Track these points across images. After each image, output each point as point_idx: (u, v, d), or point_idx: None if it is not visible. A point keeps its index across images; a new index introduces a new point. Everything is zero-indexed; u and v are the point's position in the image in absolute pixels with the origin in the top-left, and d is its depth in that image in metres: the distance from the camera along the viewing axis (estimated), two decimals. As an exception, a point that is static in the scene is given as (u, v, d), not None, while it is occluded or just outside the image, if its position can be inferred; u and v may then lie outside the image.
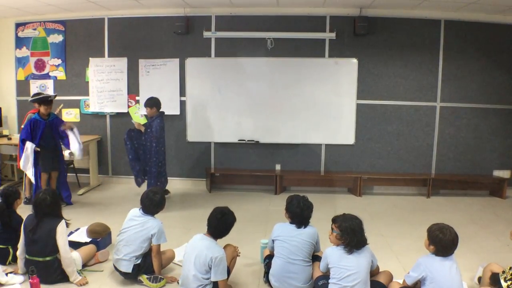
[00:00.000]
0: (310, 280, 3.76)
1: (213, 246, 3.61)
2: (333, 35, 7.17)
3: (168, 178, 6.92)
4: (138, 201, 4.21)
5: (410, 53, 7.22)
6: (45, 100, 6.13)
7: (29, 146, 6.01)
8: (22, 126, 6.48)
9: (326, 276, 3.56)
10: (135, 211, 4.17)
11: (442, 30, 7.14)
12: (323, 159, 7.58)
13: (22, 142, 6.06)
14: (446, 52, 7.19)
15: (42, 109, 6.11)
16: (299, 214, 3.83)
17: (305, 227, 3.84)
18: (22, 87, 8.01)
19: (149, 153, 6.49)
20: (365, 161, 7.54)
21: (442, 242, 3.25)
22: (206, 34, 7.35)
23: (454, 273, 3.24)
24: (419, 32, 7.17)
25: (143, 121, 7.57)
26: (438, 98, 7.29)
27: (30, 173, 6.09)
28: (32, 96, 6.43)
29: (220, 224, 3.66)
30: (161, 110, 6.61)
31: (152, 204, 4.09)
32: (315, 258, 3.88)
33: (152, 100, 6.53)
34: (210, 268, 3.52)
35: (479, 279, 3.92)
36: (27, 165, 6.05)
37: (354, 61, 7.26)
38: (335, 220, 3.62)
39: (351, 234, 3.43)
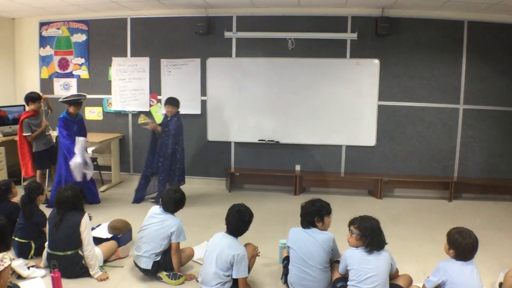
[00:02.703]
0: (329, 285, 3.74)
1: (235, 244, 3.65)
2: (354, 35, 7.12)
3: (186, 177, 6.93)
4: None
5: (432, 54, 7.13)
6: (76, 102, 6.24)
7: (82, 140, 6.14)
8: (25, 134, 6.40)
9: (344, 278, 3.54)
10: (156, 209, 4.23)
11: (466, 31, 7.03)
12: (343, 160, 7.54)
13: (63, 137, 6.11)
14: (470, 54, 7.07)
15: (72, 109, 6.22)
16: (307, 214, 3.82)
17: (312, 226, 3.79)
18: (46, 85, 8.15)
19: (164, 152, 6.52)
20: (386, 163, 7.47)
21: (462, 246, 3.21)
22: (227, 34, 7.38)
23: (475, 278, 3.19)
24: (442, 33, 7.07)
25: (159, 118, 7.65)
26: (461, 100, 7.18)
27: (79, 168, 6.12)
28: (27, 97, 6.53)
29: (238, 222, 3.70)
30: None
31: (172, 202, 4.15)
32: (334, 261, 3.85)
33: (174, 99, 6.57)
34: (232, 266, 3.56)
35: (500, 284, 3.85)
36: (80, 160, 6.10)
37: (376, 61, 7.20)
38: (353, 222, 3.59)
39: (371, 234, 3.41)
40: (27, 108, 6.54)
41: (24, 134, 6.42)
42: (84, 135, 6.40)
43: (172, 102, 6.53)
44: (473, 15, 6.97)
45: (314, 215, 3.79)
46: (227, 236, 3.72)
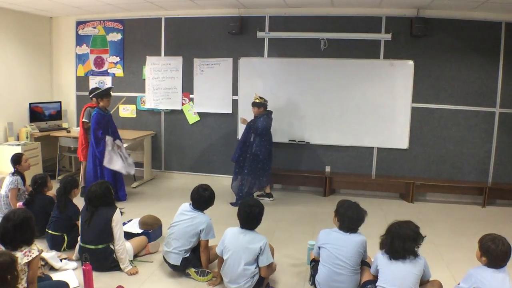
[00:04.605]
0: (358, 286, 3.70)
1: (256, 236, 3.76)
2: (388, 36, 7.02)
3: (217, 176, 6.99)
4: (188, 196, 4.29)
5: (468, 56, 6.97)
6: (108, 93, 6.39)
7: (109, 140, 6.25)
8: (84, 120, 6.65)
9: (374, 281, 3.51)
10: (186, 206, 4.29)
11: (503, 32, 6.84)
12: (374, 162, 7.45)
13: (96, 140, 6.22)
14: (507, 56, 6.87)
15: (105, 102, 6.34)
16: (350, 218, 3.71)
17: (351, 233, 3.72)
18: (81, 82, 8.36)
19: (245, 146, 6.67)
20: (419, 166, 7.33)
21: (494, 253, 3.12)
22: (260, 34, 7.39)
23: (506, 286, 3.11)
24: (478, 35, 6.90)
25: (196, 118, 7.74)
26: (497, 103, 7.00)
27: (118, 166, 6.28)
28: (92, 91, 6.73)
29: (249, 217, 3.77)
30: (268, 109, 6.72)
31: (201, 199, 4.19)
32: (363, 262, 3.81)
33: (258, 102, 6.66)
34: (258, 257, 3.69)
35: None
36: (113, 161, 6.24)
37: (410, 63, 7.09)
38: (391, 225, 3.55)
39: (389, 238, 3.42)
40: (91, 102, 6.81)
41: (83, 120, 6.68)
42: (115, 129, 6.55)
43: (256, 104, 6.63)
44: (511, 16, 6.78)
45: (359, 224, 3.76)
46: (244, 232, 3.78)
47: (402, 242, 3.36)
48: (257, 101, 6.58)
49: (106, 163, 6.22)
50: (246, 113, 7.53)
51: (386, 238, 3.45)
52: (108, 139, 6.25)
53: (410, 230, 3.42)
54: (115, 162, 6.26)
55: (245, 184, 6.61)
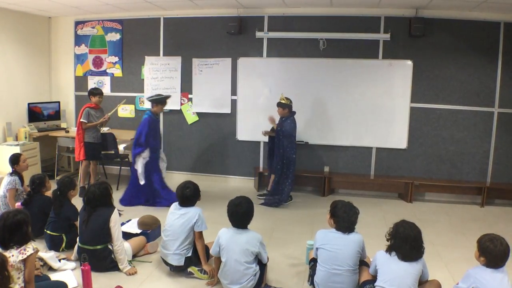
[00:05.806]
0: (357, 286, 3.70)
1: (251, 234, 3.79)
2: (387, 36, 7.02)
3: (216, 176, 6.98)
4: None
5: (467, 56, 6.97)
6: (165, 101, 6.54)
7: (147, 155, 6.34)
8: (82, 120, 6.65)
9: (373, 281, 3.51)
10: (174, 206, 4.34)
11: (502, 32, 6.84)
12: (373, 162, 7.45)
13: (137, 142, 6.28)
14: (506, 56, 6.87)
15: (159, 108, 6.47)
16: (346, 219, 3.70)
17: (349, 233, 3.70)
18: (80, 82, 8.34)
19: (278, 152, 6.67)
20: (418, 166, 7.33)
21: (493, 253, 3.11)
22: (259, 34, 7.38)
23: (505, 286, 3.10)
24: (477, 35, 6.90)
25: (195, 118, 7.73)
26: (496, 103, 7.00)
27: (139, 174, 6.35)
28: (91, 91, 6.84)
29: (236, 216, 3.79)
30: (293, 110, 6.69)
31: (184, 197, 4.24)
32: (361, 262, 3.80)
33: (283, 103, 6.63)
34: (257, 254, 3.74)
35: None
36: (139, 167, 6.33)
37: (409, 63, 7.09)
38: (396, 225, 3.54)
39: (394, 238, 3.40)
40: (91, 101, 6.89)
41: (81, 120, 6.69)
42: (159, 134, 6.73)
43: (281, 104, 6.60)
44: (510, 17, 6.78)
45: (355, 223, 3.75)
46: (239, 231, 3.79)
47: (412, 242, 3.36)
48: (283, 101, 6.56)
49: (137, 166, 6.33)
50: (246, 114, 7.57)
51: (395, 241, 3.41)
52: (147, 152, 6.31)
53: (416, 231, 3.42)
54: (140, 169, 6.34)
55: (276, 184, 6.76)
